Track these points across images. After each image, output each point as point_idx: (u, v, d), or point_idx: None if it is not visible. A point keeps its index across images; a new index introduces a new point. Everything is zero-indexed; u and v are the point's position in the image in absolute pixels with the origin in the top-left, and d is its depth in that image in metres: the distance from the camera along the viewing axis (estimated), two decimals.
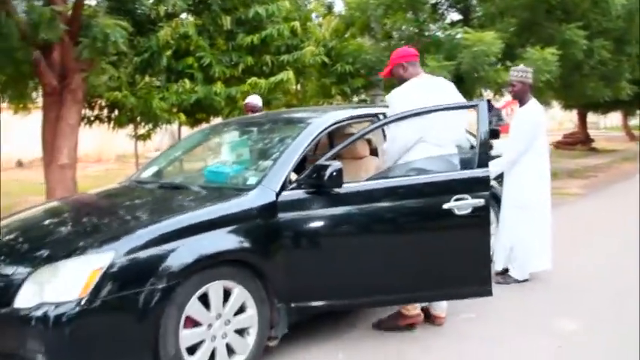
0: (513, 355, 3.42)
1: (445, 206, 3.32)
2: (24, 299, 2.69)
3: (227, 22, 8.69)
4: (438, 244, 3.45)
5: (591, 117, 28.10)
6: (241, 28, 8.97)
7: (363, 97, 11.87)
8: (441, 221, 3.39)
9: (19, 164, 18.05)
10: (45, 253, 2.89)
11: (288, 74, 8.53)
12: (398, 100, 3.67)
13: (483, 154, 3.44)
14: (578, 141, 21.34)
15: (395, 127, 3.63)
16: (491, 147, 4.93)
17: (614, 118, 35.86)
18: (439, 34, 11.21)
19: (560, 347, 3.47)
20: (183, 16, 8.78)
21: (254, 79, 8.55)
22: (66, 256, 2.78)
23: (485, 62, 9.18)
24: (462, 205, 3.33)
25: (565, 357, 3.39)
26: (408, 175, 3.51)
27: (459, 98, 3.83)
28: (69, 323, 2.59)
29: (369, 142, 4.67)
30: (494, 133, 5.70)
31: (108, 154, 19.03)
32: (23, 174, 15.49)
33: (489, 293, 3.47)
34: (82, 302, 2.61)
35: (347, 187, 3.33)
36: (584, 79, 12.24)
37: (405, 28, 11.11)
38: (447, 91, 3.80)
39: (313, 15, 11.37)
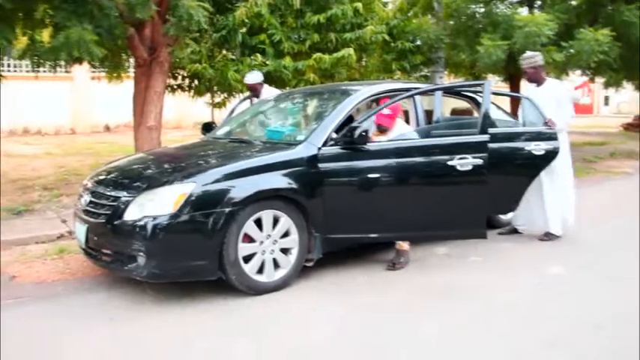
0: (499, 285, 4.21)
1: (450, 163, 4.16)
2: (131, 214, 3.77)
3: (296, 2, 9.49)
4: (443, 193, 4.34)
5: None
6: (309, 7, 9.80)
7: (423, 72, 12.52)
8: (446, 175, 4.24)
9: (107, 129, 19.68)
10: (145, 184, 3.96)
11: (349, 51, 9.31)
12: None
13: (484, 124, 4.23)
14: None
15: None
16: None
17: None
18: (506, 10, 11.58)
19: (539, 283, 4.25)
20: None
21: (319, 54, 9.40)
22: (160, 185, 3.85)
23: (538, 42, 9.56)
24: (463, 163, 4.15)
25: (534, 288, 4.15)
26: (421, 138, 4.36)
27: None
28: (163, 230, 3.66)
29: (405, 112, 5.47)
30: None
31: (186, 121, 20.31)
32: (110, 137, 17.07)
33: (484, 236, 4.29)
34: (173, 215, 3.66)
35: (372, 145, 4.23)
36: None
37: (468, 6, 11.58)
38: None
39: None
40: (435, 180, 4.31)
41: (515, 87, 12.68)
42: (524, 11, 11.70)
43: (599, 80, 19.55)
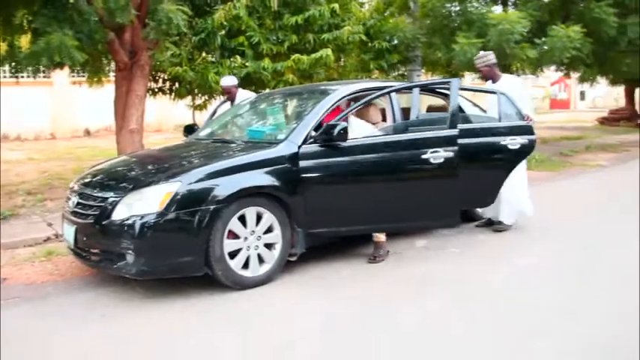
0: (477, 275, 4.37)
1: (423, 156, 4.36)
2: (119, 214, 3.89)
3: (274, 3, 9.59)
4: (418, 185, 4.53)
5: None
6: (287, 9, 9.94)
7: (401, 71, 12.72)
8: (421, 168, 4.45)
9: (87, 133, 19.63)
10: (131, 184, 4.08)
11: (327, 52, 9.46)
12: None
13: (453, 119, 4.45)
14: (623, 117, 21.40)
15: None
16: None
17: None
18: (480, 9, 11.79)
19: (514, 273, 4.44)
20: None
21: (297, 55, 9.53)
22: (147, 185, 3.98)
23: (511, 40, 9.78)
24: (436, 156, 4.37)
25: (509, 277, 4.34)
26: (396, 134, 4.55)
27: None
28: (150, 228, 3.78)
29: (382, 110, 5.63)
30: None
31: (167, 124, 20.33)
32: (91, 141, 17.03)
33: (457, 224, 4.51)
34: (159, 213, 3.79)
35: (350, 142, 4.39)
36: (620, 56, 12.60)
37: (443, 5, 11.78)
38: None
39: None
40: (411, 173, 4.53)
41: None
42: (498, 9, 11.94)
43: (575, 75, 19.93)
